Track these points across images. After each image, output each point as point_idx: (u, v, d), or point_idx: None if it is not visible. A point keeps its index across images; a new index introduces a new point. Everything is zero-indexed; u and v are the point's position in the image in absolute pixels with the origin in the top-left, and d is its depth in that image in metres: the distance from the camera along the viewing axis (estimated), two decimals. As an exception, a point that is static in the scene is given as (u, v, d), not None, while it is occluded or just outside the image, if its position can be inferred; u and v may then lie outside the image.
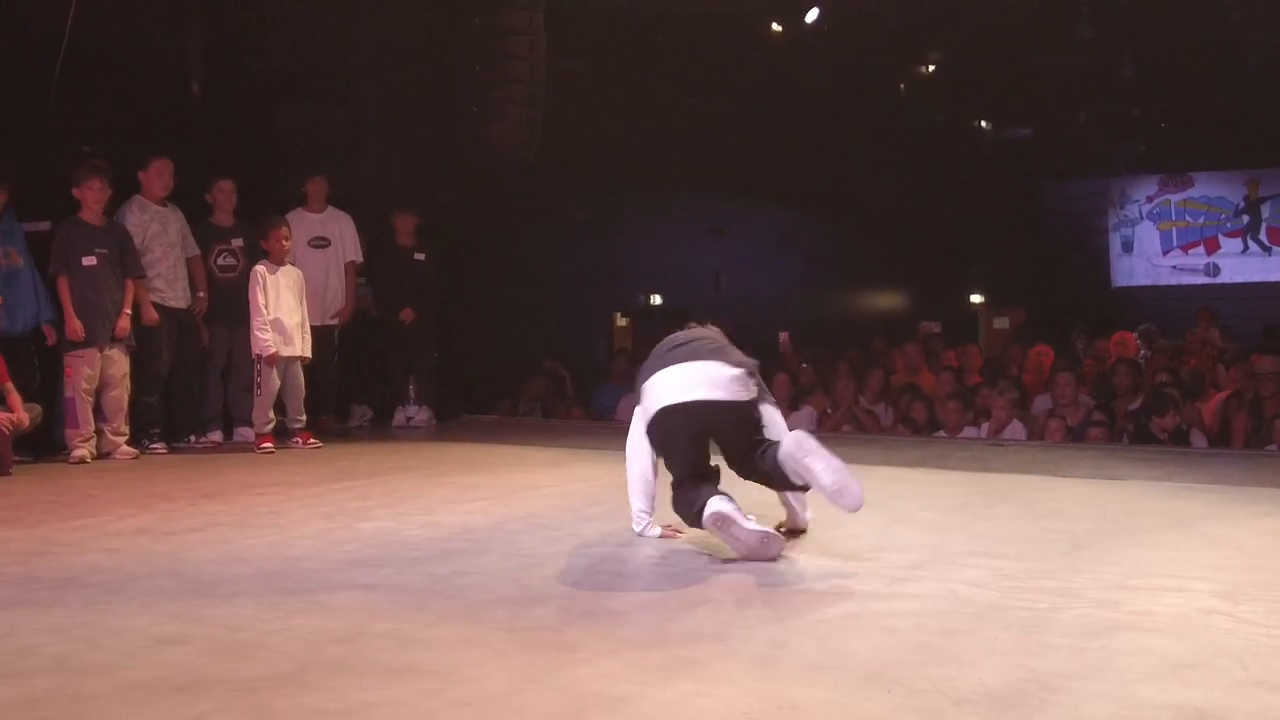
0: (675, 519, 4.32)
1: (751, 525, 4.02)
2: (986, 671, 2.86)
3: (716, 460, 4.36)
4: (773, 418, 4.35)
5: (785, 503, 4.46)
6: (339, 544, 4.48)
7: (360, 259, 8.83)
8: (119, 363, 7.20)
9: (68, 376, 7.02)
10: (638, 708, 2.65)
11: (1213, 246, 18.00)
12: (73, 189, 7.09)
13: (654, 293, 14.79)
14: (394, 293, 9.04)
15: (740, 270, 15.24)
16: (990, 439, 8.43)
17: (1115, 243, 18.66)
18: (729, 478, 4.35)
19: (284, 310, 7.76)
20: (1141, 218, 18.46)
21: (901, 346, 10.94)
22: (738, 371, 4.16)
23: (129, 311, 7.24)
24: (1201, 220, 18.12)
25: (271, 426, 7.69)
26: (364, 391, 9.29)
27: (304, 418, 7.90)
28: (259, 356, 7.65)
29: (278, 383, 7.73)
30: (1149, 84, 14.63)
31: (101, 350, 7.09)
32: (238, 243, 8.09)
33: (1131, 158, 17.91)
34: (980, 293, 18.53)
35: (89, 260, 7.05)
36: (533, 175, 10.48)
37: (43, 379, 7.12)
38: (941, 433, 8.85)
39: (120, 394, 7.21)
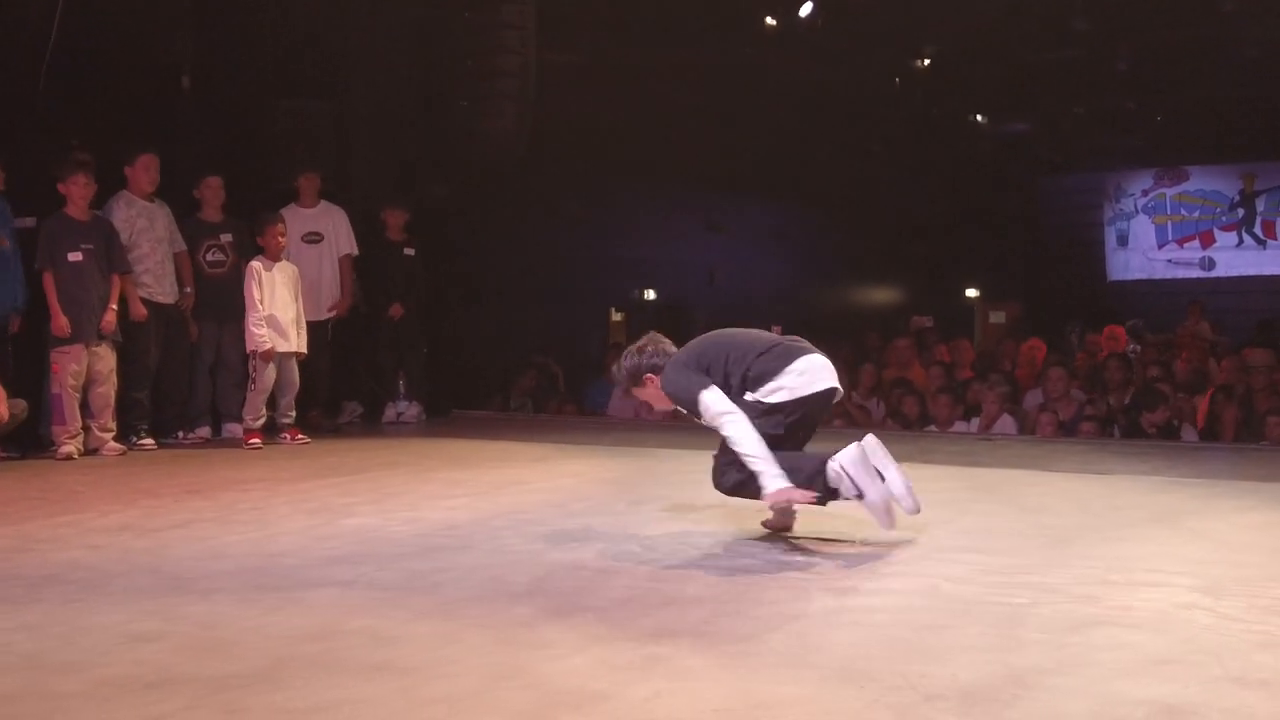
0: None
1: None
2: (961, 667, 2.85)
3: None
4: None
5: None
6: (321, 540, 4.47)
7: (355, 252, 8.82)
8: (106, 358, 7.18)
9: (54, 372, 6.99)
10: (609, 705, 2.64)
11: (1208, 240, 17.95)
12: (58, 184, 7.05)
13: (648, 287, 14.76)
14: (384, 288, 9.03)
15: (735, 265, 15.21)
16: (980, 434, 8.42)
17: (1111, 236, 18.60)
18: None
19: (279, 306, 7.76)
20: (1137, 211, 18.40)
21: (894, 341, 10.93)
22: None
23: (115, 307, 7.22)
24: (1197, 214, 18.07)
25: (261, 422, 7.67)
26: (354, 387, 9.27)
27: (294, 414, 7.90)
28: (254, 352, 7.64)
29: (272, 378, 7.73)
30: (1144, 78, 14.60)
31: (88, 346, 7.06)
32: (227, 238, 8.08)
33: (1127, 152, 17.86)
34: (976, 287, 18.50)
35: (75, 256, 7.02)
36: (526, 170, 10.46)
37: (28, 374, 7.09)
38: (932, 427, 8.84)
39: (107, 390, 7.18)
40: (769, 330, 4.78)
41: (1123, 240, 18.57)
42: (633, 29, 11.60)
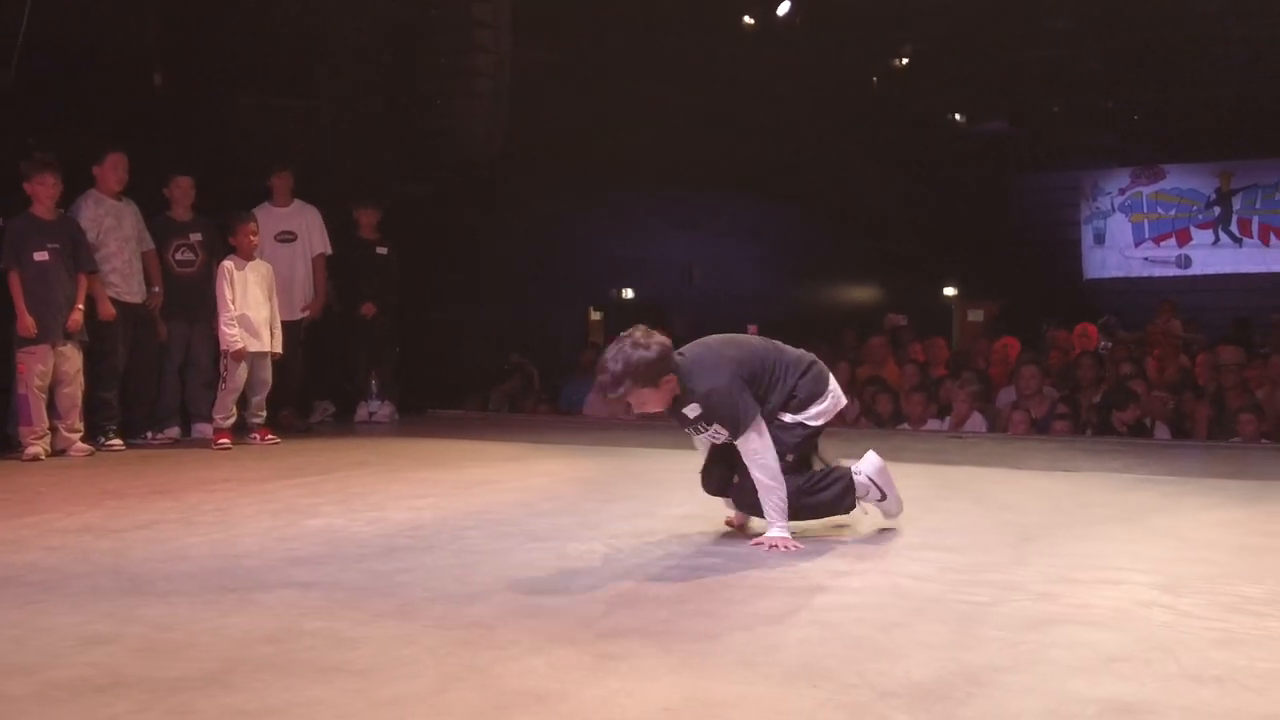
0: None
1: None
2: (916, 665, 2.84)
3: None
4: None
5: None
6: (284, 541, 4.44)
7: (329, 251, 8.79)
8: (72, 359, 7.12)
9: (20, 373, 6.93)
10: (562, 705, 2.62)
11: (1184, 238, 18.03)
12: (24, 184, 6.99)
13: (626, 286, 14.74)
14: (356, 287, 8.99)
15: (714, 263, 15.21)
16: (950, 432, 8.43)
17: (1088, 235, 18.67)
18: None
19: (251, 305, 7.72)
20: (1114, 210, 18.47)
21: (869, 339, 10.94)
22: None
23: (82, 306, 7.16)
24: (1173, 212, 18.15)
25: (231, 422, 7.63)
26: (326, 387, 9.22)
27: (264, 413, 7.86)
28: (225, 352, 7.61)
29: (243, 378, 7.69)
30: (1121, 77, 14.66)
31: (54, 346, 7.00)
32: (196, 237, 8.02)
33: (1104, 150, 17.93)
34: (954, 286, 18.55)
35: (40, 255, 6.96)
36: (502, 169, 10.43)
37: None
38: (906, 425, 8.85)
39: (74, 390, 7.13)
40: (744, 331, 4.79)
41: (1099, 238, 18.64)
42: (609, 27, 11.59)
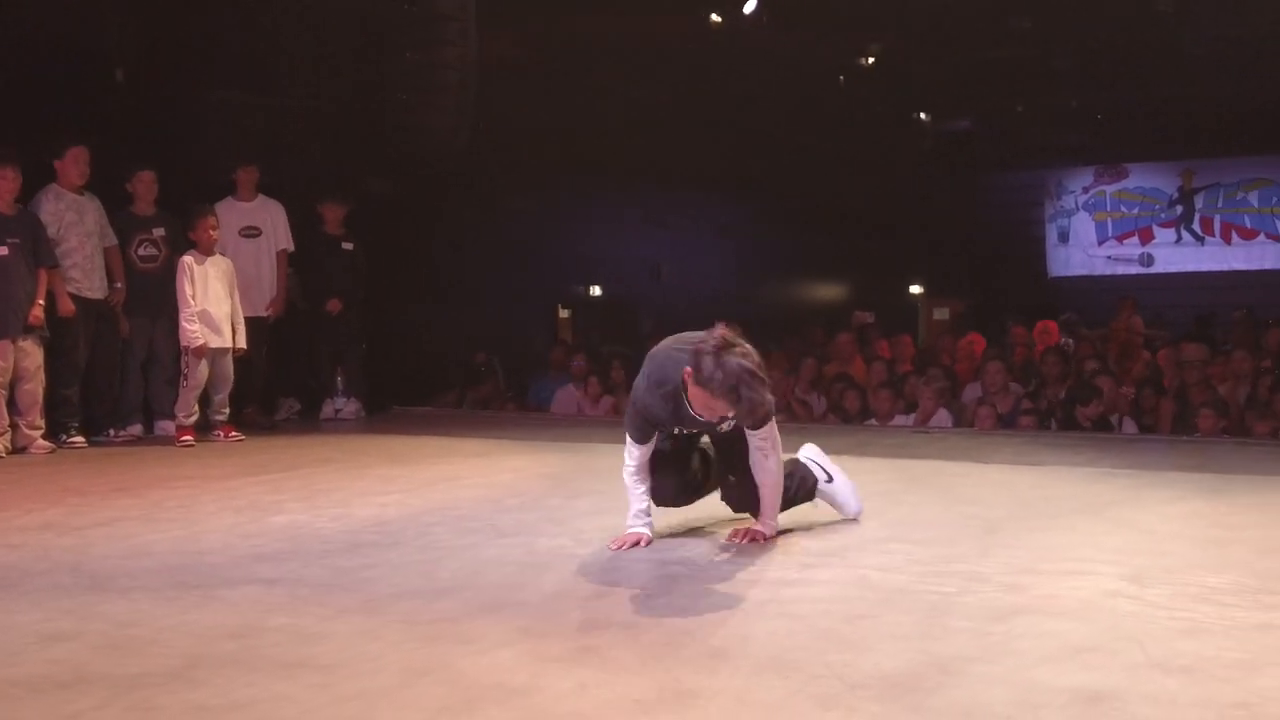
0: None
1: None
2: (885, 656, 2.85)
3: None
4: None
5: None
6: (247, 538, 4.39)
7: (291, 248, 8.71)
8: (33, 354, 7.02)
9: (-20, 369, 6.84)
10: (531, 698, 2.61)
11: (1147, 237, 18.19)
12: (-18, 179, 6.90)
13: (594, 284, 14.72)
14: (321, 283, 8.92)
15: (681, 261, 15.21)
16: (916, 427, 8.46)
17: (1052, 233, 18.80)
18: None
19: (212, 301, 7.65)
20: (1078, 208, 18.62)
21: (836, 336, 10.98)
22: None
23: (42, 302, 7.06)
24: (1136, 210, 18.31)
25: (194, 419, 7.55)
26: (291, 383, 9.14)
27: (228, 410, 7.79)
28: (186, 348, 7.53)
29: (205, 375, 7.61)
30: (1085, 76, 14.74)
31: (14, 342, 6.91)
32: (159, 232, 7.93)
33: (1068, 149, 18.05)
34: (920, 284, 18.64)
35: (0, 250, 6.87)
36: (469, 164, 10.37)
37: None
38: (873, 421, 8.88)
39: (35, 387, 7.03)
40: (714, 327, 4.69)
41: (1064, 237, 18.78)
42: (576, 22, 11.55)
